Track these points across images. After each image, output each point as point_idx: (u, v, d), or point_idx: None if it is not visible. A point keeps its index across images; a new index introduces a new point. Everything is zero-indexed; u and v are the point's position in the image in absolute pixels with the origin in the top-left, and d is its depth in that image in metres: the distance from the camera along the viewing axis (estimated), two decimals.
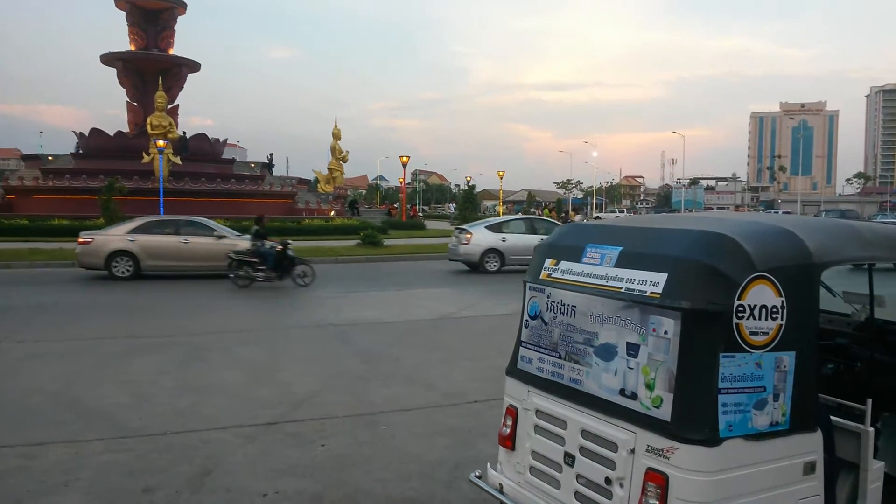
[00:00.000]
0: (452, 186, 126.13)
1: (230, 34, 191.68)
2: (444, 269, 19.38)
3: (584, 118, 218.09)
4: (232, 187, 36.85)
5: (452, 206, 63.86)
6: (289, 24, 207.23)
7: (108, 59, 40.62)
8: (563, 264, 3.05)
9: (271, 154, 54.11)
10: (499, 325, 10.43)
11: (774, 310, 2.46)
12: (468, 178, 58.76)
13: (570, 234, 3.24)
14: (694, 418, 2.39)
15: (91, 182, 31.66)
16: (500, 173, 58.78)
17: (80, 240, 16.03)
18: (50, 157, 43.22)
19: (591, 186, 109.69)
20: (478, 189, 44.76)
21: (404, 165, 41.87)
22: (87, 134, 39.74)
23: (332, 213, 38.94)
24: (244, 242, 15.57)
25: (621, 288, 2.68)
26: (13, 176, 39.57)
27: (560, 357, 2.96)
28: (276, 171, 54.10)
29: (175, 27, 42.35)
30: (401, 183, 66.00)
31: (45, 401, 6.25)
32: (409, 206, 52.76)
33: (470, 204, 31.84)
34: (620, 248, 2.80)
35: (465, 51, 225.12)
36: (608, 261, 2.82)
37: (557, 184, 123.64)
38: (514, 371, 3.26)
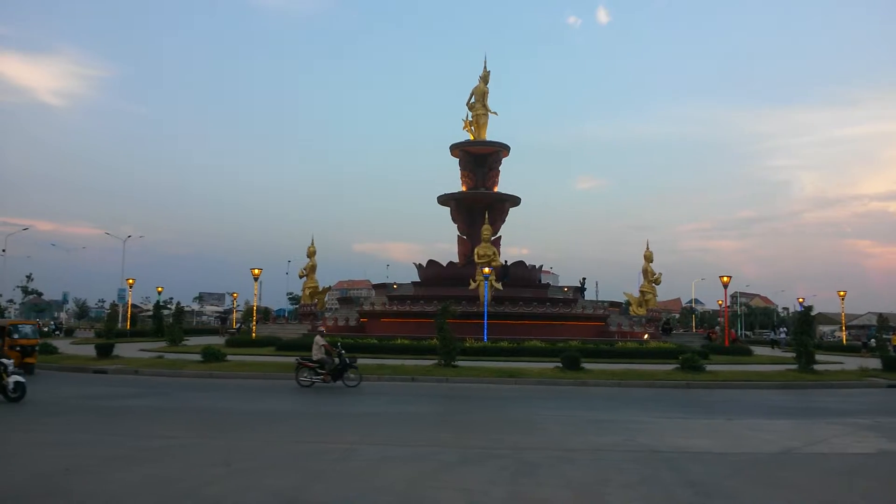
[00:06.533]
0: (780, 309, 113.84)
1: (542, 169, 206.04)
2: (778, 399, 17.29)
3: None
4: (547, 310, 38.34)
5: (783, 330, 57.19)
6: (594, 157, 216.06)
7: (444, 199, 46.61)
8: None
9: (584, 279, 55.15)
10: (861, 467, 8.87)
11: None
12: (800, 300, 52.64)
13: None
14: None
15: (427, 307, 35.67)
16: (842, 294, 51.57)
17: None
18: (395, 286, 50.07)
19: None
20: (812, 311, 39.27)
21: (725, 286, 39.26)
22: (424, 265, 45.41)
23: (647, 336, 37.78)
24: None
25: None
26: (366, 302, 46.62)
27: None
28: (587, 295, 54.88)
29: (499, 168, 47.15)
30: (720, 305, 61.71)
31: (393, 500, 6.89)
32: (729, 330, 48.73)
33: (806, 328, 28.16)
34: None
35: (786, 164, 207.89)
36: None
37: None
38: None
